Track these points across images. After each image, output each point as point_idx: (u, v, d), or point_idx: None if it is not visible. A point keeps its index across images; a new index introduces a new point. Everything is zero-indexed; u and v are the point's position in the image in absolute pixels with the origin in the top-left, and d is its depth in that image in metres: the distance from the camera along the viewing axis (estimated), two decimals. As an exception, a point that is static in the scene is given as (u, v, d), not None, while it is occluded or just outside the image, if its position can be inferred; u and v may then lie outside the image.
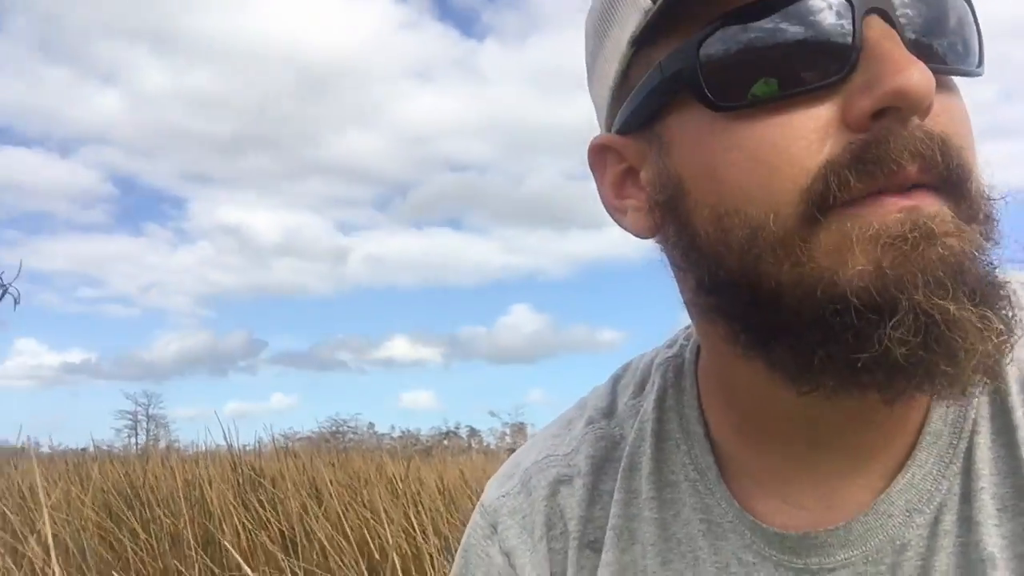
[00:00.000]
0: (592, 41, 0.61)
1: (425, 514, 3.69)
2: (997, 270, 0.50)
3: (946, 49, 0.51)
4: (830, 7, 0.49)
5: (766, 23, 0.49)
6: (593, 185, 0.63)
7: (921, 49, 0.49)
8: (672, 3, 0.51)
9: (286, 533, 3.58)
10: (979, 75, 0.53)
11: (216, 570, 3.26)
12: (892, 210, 0.48)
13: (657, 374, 0.69)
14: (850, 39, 0.48)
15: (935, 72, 0.48)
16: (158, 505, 3.90)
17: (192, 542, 3.44)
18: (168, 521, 3.73)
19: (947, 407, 0.57)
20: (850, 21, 0.48)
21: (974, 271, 0.48)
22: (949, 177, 0.49)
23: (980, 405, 0.57)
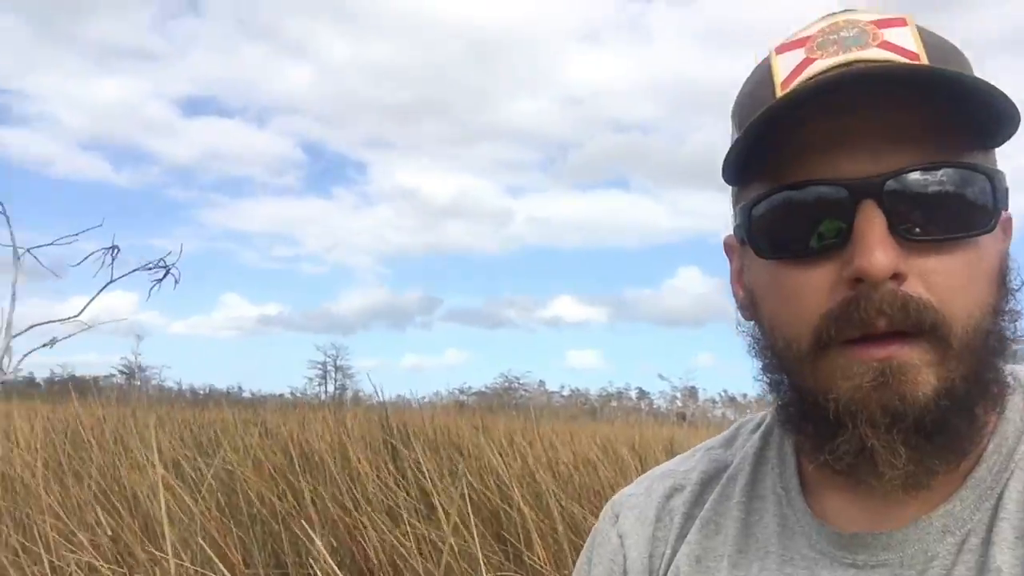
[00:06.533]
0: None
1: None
2: (970, 403, 0.65)
3: (936, 221, 0.64)
4: (838, 194, 0.64)
5: (797, 197, 0.66)
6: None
7: (903, 228, 0.63)
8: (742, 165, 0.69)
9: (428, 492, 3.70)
10: (989, 231, 0.65)
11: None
12: (866, 358, 0.64)
13: (770, 415, 0.86)
14: (844, 224, 0.64)
15: (919, 243, 0.63)
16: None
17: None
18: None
19: (994, 460, 0.70)
20: (850, 205, 0.64)
21: (918, 413, 0.63)
22: (922, 329, 0.63)
23: (1021, 458, 0.69)
